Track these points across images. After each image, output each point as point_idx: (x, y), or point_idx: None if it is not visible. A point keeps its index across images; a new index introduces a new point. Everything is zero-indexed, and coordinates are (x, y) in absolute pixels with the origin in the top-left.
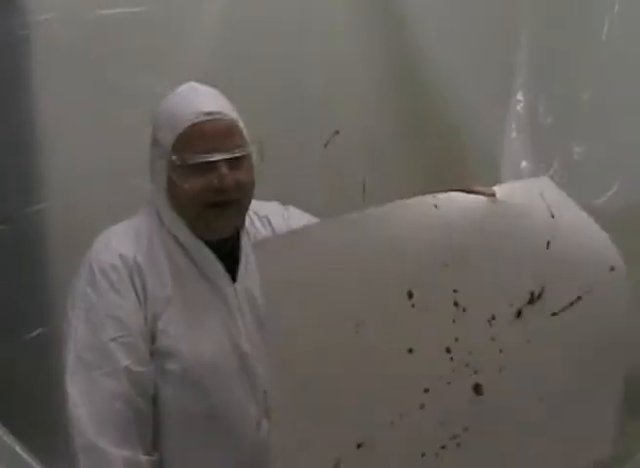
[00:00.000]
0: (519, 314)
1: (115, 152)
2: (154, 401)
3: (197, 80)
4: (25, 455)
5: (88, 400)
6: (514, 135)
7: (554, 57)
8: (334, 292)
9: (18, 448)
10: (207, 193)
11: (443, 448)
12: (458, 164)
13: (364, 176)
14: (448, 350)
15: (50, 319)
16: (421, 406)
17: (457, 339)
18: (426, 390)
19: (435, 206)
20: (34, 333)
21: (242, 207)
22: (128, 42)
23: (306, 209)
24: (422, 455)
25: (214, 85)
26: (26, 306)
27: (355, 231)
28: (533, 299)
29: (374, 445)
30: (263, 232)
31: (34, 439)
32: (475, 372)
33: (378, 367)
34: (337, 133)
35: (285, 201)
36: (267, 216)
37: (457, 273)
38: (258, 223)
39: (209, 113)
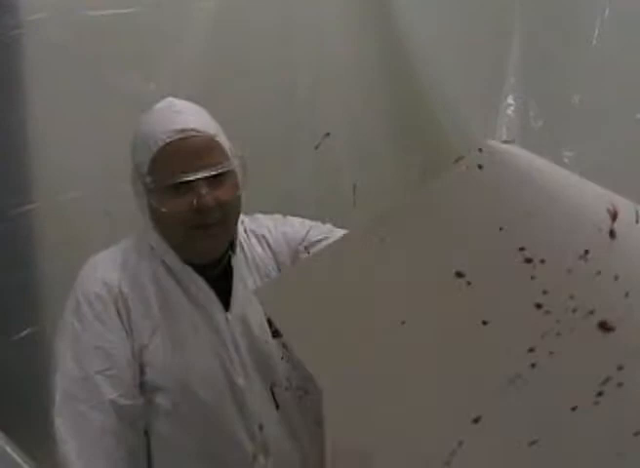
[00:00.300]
0: (612, 234)
1: (107, 153)
2: (147, 434)
3: (189, 80)
4: (16, 455)
5: (75, 435)
6: (505, 138)
7: (545, 60)
8: (359, 305)
9: (8, 449)
10: (187, 216)
11: (600, 394)
12: (448, 166)
13: (355, 178)
14: (539, 306)
15: (40, 318)
16: (533, 365)
17: (545, 292)
18: (531, 349)
19: (480, 166)
20: (24, 333)
21: (228, 226)
22: (121, 42)
23: (299, 210)
24: (574, 409)
25: (205, 85)
26: (16, 306)
27: (364, 244)
28: (614, 215)
29: (492, 414)
30: (260, 252)
31: (23, 438)
32: (591, 312)
33: (450, 347)
34: (327, 135)
35: (277, 203)
36: (264, 236)
37: (517, 231)
38: (255, 244)
39: (182, 130)
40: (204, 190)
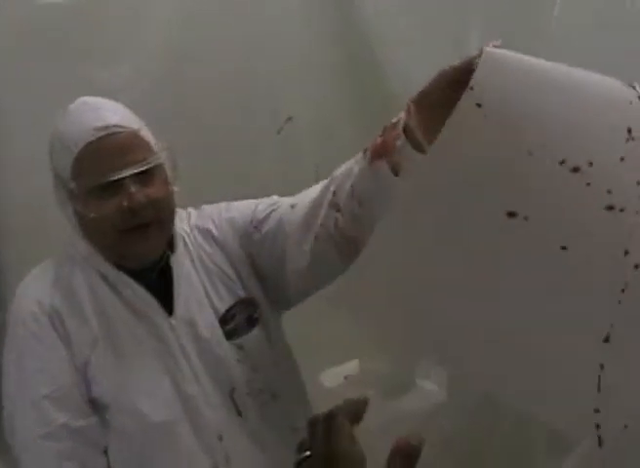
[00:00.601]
0: None
1: None
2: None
3: (151, 68)
4: None
5: (35, 465)
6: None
7: (505, 38)
8: (427, 280)
9: None
10: (118, 217)
11: None
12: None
13: (318, 161)
14: (610, 207)
15: (2, 308)
16: (636, 266)
17: (609, 191)
18: (626, 252)
19: (478, 104)
20: None
21: (163, 225)
22: (84, 28)
23: (262, 195)
24: None
25: (166, 73)
26: None
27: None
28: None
29: (619, 327)
30: (207, 248)
31: None
32: None
33: (542, 284)
34: (289, 119)
35: (240, 188)
36: (209, 229)
37: (548, 147)
38: (201, 240)
39: (105, 127)
40: (133, 188)
